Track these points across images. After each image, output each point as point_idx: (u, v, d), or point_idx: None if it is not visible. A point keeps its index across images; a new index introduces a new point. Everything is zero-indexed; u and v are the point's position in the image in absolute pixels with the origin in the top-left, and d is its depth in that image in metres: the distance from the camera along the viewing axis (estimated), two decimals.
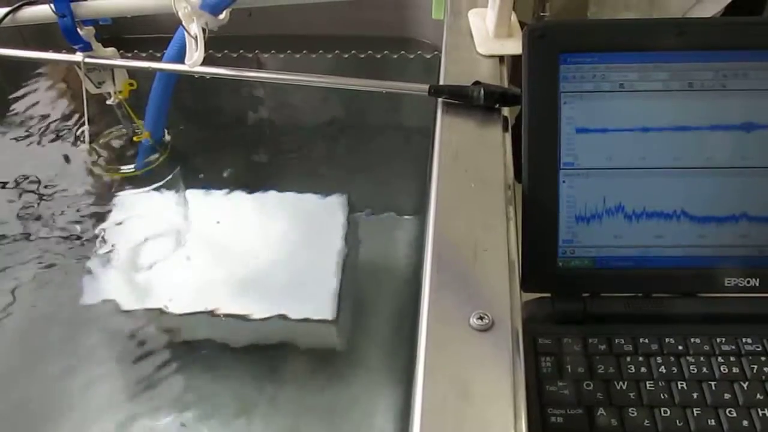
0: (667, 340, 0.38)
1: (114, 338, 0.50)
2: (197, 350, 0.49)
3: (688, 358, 0.38)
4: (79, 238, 0.57)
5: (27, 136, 0.69)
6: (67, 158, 0.66)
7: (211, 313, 0.51)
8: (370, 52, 0.77)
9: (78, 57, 0.54)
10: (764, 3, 0.72)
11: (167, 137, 0.65)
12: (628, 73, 0.39)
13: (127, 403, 0.45)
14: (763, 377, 0.37)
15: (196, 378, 0.47)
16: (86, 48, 0.54)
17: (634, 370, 0.37)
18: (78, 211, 0.60)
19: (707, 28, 0.40)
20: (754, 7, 0.71)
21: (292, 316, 0.50)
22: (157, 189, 0.62)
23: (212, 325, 0.50)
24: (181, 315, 0.51)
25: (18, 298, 0.53)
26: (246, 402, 0.45)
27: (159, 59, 0.57)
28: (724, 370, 0.37)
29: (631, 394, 0.36)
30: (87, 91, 0.57)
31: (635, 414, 0.35)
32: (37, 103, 0.74)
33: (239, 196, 0.61)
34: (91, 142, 0.64)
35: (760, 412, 0.35)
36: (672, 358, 0.38)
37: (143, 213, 0.60)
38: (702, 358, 0.38)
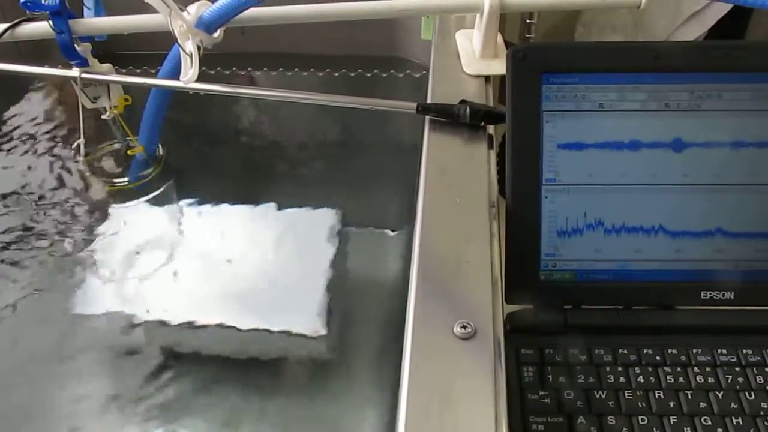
0: (645, 351, 0.40)
1: (104, 349, 0.50)
2: (186, 362, 0.49)
3: (665, 368, 0.39)
4: (71, 249, 0.58)
5: (22, 149, 0.70)
6: (61, 171, 0.67)
7: (201, 325, 0.51)
8: (360, 70, 0.79)
9: (74, 72, 0.55)
10: (746, 26, 0.74)
11: (161, 151, 0.66)
12: (608, 93, 0.41)
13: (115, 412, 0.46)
14: (737, 387, 0.38)
15: (184, 390, 0.47)
16: (83, 64, 0.55)
17: (613, 380, 0.38)
18: (71, 222, 0.61)
19: (683, 51, 0.41)
20: (736, 30, 0.74)
21: (283, 328, 0.51)
22: (149, 202, 0.63)
23: (202, 338, 0.51)
24: (170, 327, 0.52)
25: (8, 308, 0.53)
26: (234, 414, 0.46)
27: (154, 75, 0.58)
28: (700, 380, 0.38)
29: (610, 403, 0.37)
30: (83, 105, 0.58)
31: (614, 422, 0.36)
32: (33, 116, 0.75)
33: (231, 209, 0.62)
34: (85, 156, 0.65)
35: (734, 421, 0.36)
36: (650, 369, 0.39)
37: (135, 225, 0.61)
38: (679, 369, 0.39)
